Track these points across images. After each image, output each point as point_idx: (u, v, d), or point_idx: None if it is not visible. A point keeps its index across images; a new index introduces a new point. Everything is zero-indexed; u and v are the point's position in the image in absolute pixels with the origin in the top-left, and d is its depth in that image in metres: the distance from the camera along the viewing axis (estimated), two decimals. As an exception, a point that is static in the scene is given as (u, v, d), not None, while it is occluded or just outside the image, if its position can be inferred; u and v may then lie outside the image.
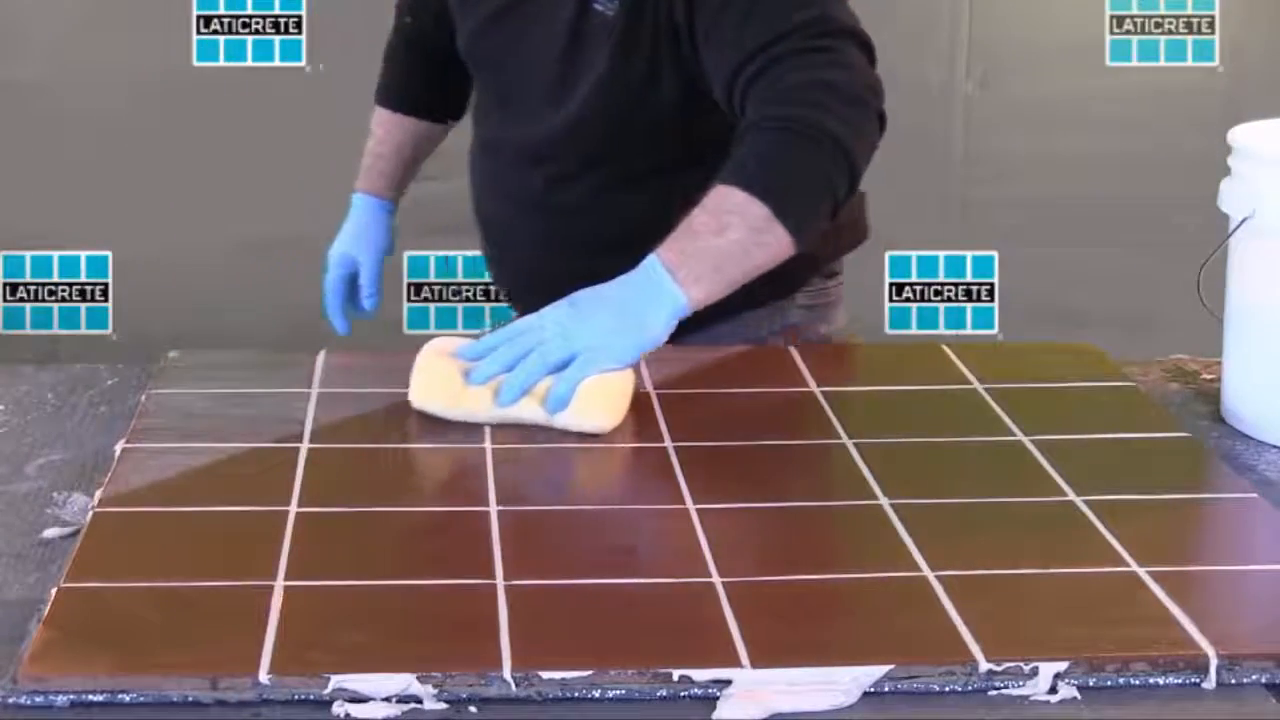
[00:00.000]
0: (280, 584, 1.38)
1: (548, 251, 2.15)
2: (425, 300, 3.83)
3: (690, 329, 1.81)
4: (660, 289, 1.75)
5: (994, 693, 1.27)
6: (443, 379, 1.74)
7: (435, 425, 1.72)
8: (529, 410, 1.71)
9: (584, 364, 1.71)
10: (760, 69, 1.87)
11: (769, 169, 1.82)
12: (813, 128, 1.82)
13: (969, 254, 3.96)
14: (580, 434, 1.70)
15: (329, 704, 1.24)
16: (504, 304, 2.30)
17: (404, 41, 2.39)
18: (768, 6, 1.90)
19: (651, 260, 1.77)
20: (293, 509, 1.52)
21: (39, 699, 1.24)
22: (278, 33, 3.81)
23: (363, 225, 2.34)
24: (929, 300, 3.96)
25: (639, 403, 1.77)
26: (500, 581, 1.38)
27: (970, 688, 1.27)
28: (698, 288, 1.76)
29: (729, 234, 1.78)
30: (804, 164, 1.83)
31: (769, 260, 1.81)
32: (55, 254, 3.86)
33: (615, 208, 2.07)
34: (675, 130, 2.02)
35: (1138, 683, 1.28)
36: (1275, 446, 1.72)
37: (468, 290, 3.87)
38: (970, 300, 3.97)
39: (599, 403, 1.71)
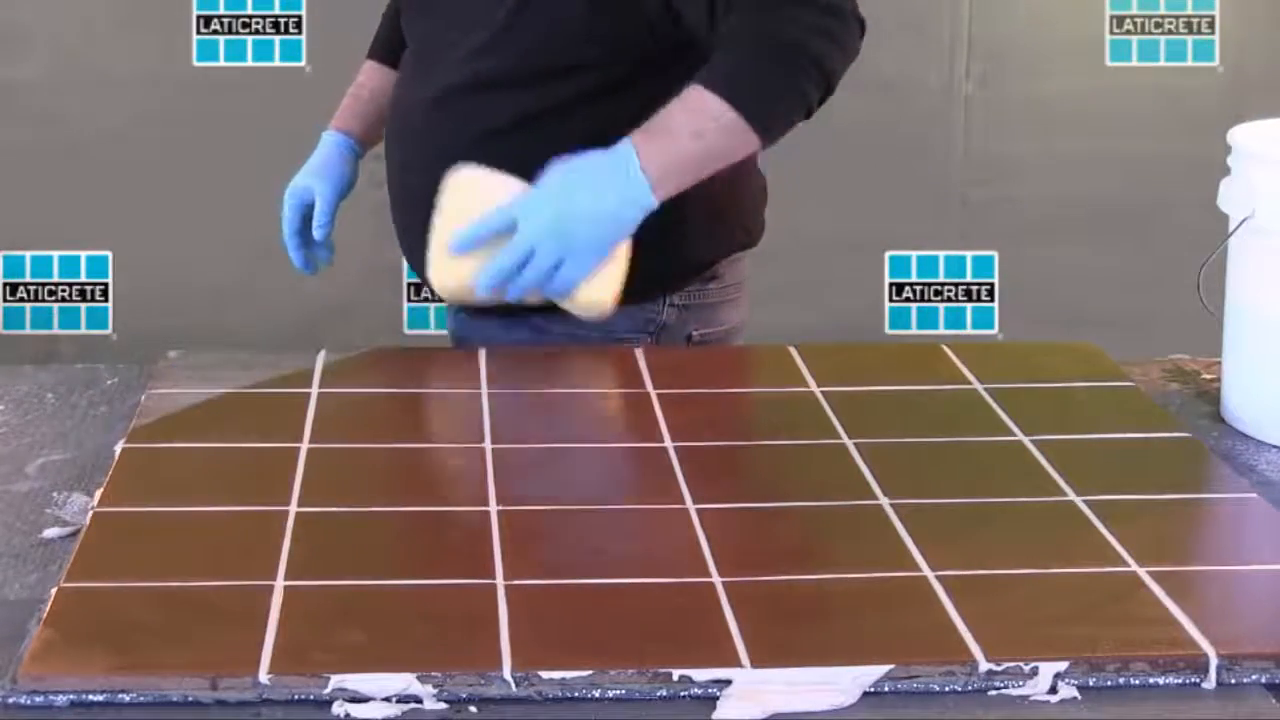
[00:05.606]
0: (280, 584, 1.38)
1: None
2: (425, 300, 3.82)
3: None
4: (635, 187, 1.83)
5: (994, 693, 1.27)
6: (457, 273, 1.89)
7: (435, 425, 1.72)
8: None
9: (572, 270, 1.83)
10: None
11: (748, 77, 1.87)
12: (791, 43, 1.88)
13: (969, 254, 3.96)
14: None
15: (329, 704, 1.24)
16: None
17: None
18: None
19: (628, 153, 1.84)
20: (293, 509, 1.52)
21: (39, 699, 1.24)
22: (278, 33, 3.81)
23: (325, 159, 2.24)
24: (929, 300, 3.96)
25: (639, 403, 1.77)
26: (500, 581, 1.38)
27: (970, 688, 1.27)
28: (663, 189, 1.84)
29: (705, 139, 1.85)
30: (780, 76, 1.89)
31: (733, 160, 1.91)
32: (55, 254, 3.86)
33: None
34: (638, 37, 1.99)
35: (1138, 683, 1.28)
36: (1275, 446, 1.72)
37: (468, 290, 3.86)
38: (970, 300, 3.97)
39: (601, 282, 1.86)
